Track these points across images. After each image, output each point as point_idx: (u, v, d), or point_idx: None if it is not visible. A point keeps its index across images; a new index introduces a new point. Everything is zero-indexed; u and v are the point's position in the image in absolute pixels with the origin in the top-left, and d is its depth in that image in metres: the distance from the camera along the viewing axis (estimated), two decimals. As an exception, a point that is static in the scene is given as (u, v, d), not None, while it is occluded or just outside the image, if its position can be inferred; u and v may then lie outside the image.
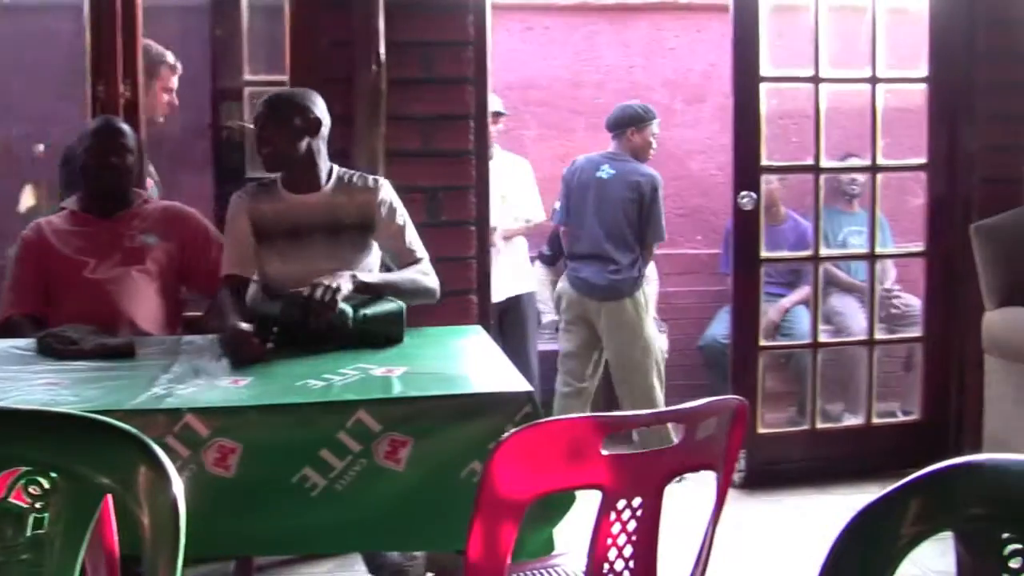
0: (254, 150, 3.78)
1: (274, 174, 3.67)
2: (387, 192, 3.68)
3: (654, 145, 6.00)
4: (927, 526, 1.55)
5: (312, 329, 3.22)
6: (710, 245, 7.10)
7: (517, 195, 6.23)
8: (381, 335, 3.34)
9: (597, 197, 5.87)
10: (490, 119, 5.75)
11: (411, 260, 3.64)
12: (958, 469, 1.54)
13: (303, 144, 3.57)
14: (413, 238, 3.68)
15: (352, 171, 3.74)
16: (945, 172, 5.23)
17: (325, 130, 3.63)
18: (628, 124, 5.90)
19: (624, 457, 2.15)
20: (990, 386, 4.87)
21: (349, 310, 3.28)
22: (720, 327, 6.42)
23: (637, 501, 2.17)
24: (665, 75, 7.34)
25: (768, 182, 6.38)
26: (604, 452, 2.08)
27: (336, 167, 3.70)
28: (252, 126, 4.00)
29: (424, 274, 3.63)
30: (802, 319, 6.17)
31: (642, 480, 2.16)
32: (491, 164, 5.97)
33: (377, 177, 3.75)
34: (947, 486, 1.54)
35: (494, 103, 6.04)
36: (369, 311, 3.35)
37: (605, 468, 2.09)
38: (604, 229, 5.84)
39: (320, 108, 3.62)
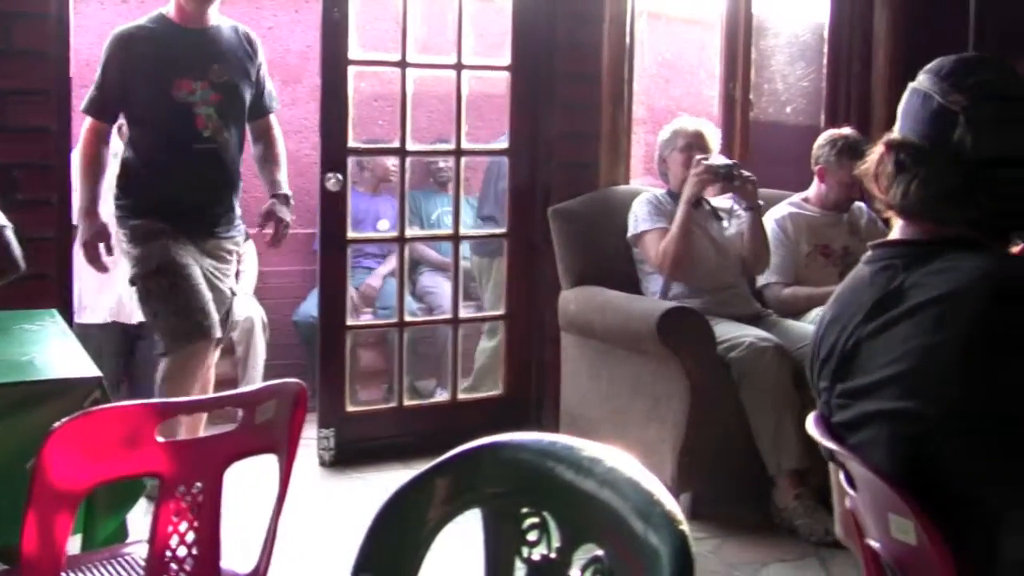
0: None
1: None
2: None
3: None
4: (454, 506, 1.64)
5: None
6: (305, 224, 7.07)
7: None
8: None
9: None
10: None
11: None
12: (480, 450, 1.63)
13: None
14: None
15: None
16: (526, 157, 5.43)
17: None
18: None
19: (180, 443, 2.17)
20: (566, 362, 5.12)
21: None
22: (313, 304, 6.46)
23: (197, 486, 2.19)
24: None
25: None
26: (159, 439, 2.09)
27: None
28: None
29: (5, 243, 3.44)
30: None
31: (200, 465, 2.19)
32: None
33: None
34: (470, 466, 1.64)
35: None
36: None
37: (161, 455, 2.11)
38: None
39: None
